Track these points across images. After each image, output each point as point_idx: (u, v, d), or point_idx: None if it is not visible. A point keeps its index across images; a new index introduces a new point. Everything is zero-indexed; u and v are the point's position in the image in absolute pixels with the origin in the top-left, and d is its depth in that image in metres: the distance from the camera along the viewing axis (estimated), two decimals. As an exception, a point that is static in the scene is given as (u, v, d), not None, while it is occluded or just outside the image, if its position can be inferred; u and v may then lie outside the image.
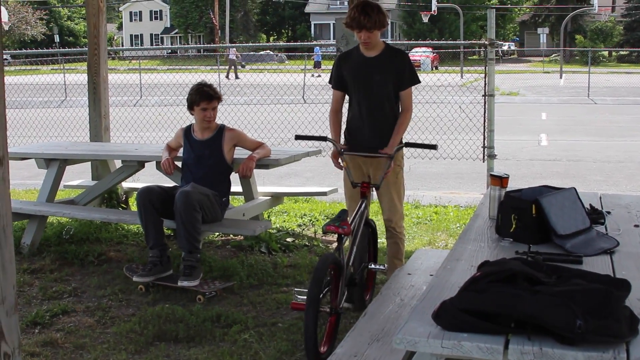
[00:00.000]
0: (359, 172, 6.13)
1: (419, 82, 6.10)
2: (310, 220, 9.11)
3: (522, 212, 4.09)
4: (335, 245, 5.34)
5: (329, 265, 4.94)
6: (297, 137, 6.09)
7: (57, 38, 76.27)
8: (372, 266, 5.96)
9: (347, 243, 5.51)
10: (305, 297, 4.87)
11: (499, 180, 4.55)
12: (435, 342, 2.81)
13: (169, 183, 7.52)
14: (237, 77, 43.19)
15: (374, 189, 5.99)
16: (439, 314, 2.94)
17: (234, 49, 47.01)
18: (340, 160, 6.05)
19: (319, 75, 39.89)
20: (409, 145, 5.92)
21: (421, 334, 2.86)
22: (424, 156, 11.90)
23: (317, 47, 47.98)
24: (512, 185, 4.61)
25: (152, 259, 6.57)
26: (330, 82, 6.28)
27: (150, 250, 6.63)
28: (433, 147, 5.81)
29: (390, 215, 6.23)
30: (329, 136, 6.09)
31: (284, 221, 9.04)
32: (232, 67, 45.99)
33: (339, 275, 5.09)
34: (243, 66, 46.44)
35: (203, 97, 6.88)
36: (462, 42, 30.20)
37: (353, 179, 5.94)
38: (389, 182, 6.07)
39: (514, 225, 4.12)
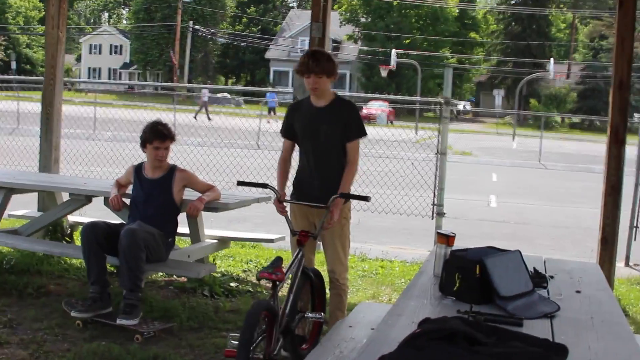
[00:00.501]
0: (305, 221, 6.14)
1: (365, 135, 6.15)
2: (256, 266, 9.08)
3: (466, 272, 4.11)
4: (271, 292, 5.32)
5: (262, 311, 4.94)
6: (240, 183, 6.13)
7: (14, 65, 75.70)
8: (309, 315, 5.92)
9: (283, 291, 5.50)
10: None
11: (445, 239, 4.57)
12: (371, 396, 2.80)
13: (115, 219, 7.46)
14: (209, 119, 42.66)
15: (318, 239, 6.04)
16: (377, 369, 2.94)
17: (206, 90, 46.66)
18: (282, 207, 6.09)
19: (269, 122, 39.84)
20: (344, 196, 5.94)
21: (358, 387, 2.85)
22: (373, 210, 11.93)
23: (273, 93, 47.94)
24: (460, 244, 4.63)
25: (93, 294, 6.49)
26: (281, 131, 6.32)
27: (91, 286, 6.55)
28: (365, 198, 5.85)
29: (333, 266, 6.23)
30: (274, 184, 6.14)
31: (229, 265, 9.00)
32: (204, 109, 45.67)
33: (273, 322, 5.07)
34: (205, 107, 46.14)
35: (157, 136, 6.87)
36: (418, 98, 30.42)
37: (293, 227, 5.97)
38: (334, 234, 6.09)
39: (457, 284, 4.14)
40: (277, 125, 30.18)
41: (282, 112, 42.64)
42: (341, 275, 6.25)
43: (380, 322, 3.74)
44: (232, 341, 5.03)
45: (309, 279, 5.99)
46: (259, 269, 8.88)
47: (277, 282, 5.18)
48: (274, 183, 6.20)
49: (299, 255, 5.71)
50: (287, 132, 6.28)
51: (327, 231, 5.99)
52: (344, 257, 6.27)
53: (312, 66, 5.93)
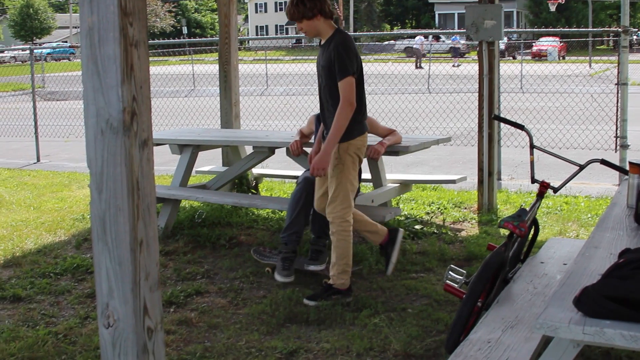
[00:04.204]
0: None
1: (348, 74, 5.69)
2: (439, 208, 9.04)
3: (663, 201, 3.99)
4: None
5: (499, 263, 4.81)
6: (495, 118, 5.97)
7: (184, 30, 77.85)
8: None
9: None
10: (458, 280, 5.03)
11: (638, 169, 4.44)
12: (576, 328, 2.77)
13: (297, 170, 7.55)
14: (420, 67, 41.95)
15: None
16: (581, 300, 2.89)
17: (421, 37, 45.57)
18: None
19: (458, 65, 39.35)
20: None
21: (562, 319, 2.82)
22: (553, 145, 11.69)
23: (456, 37, 46.86)
24: (647, 176, 4.48)
25: (285, 242, 6.59)
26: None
27: (285, 234, 6.62)
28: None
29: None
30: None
31: (412, 209, 8.99)
32: (417, 58, 44.58)
33: (499, 272, 4.95)
34: (424, 55, 44.82)
35: None
36: (592, 29, 29.20)
37: (534, 174, 5.53)
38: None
39: (654, 214, 4.02)
40: (462, 68, 29.75)
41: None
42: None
43: (578, 254, 3.68)
44: (452, 273, 5.05)
45: (533, 228, 5.72)
46: (442, 211, 8.86)
47: (515, 236, 5.00)
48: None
49: (537, 206, 5.49)
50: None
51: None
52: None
53: (288, 15, 5.95)
